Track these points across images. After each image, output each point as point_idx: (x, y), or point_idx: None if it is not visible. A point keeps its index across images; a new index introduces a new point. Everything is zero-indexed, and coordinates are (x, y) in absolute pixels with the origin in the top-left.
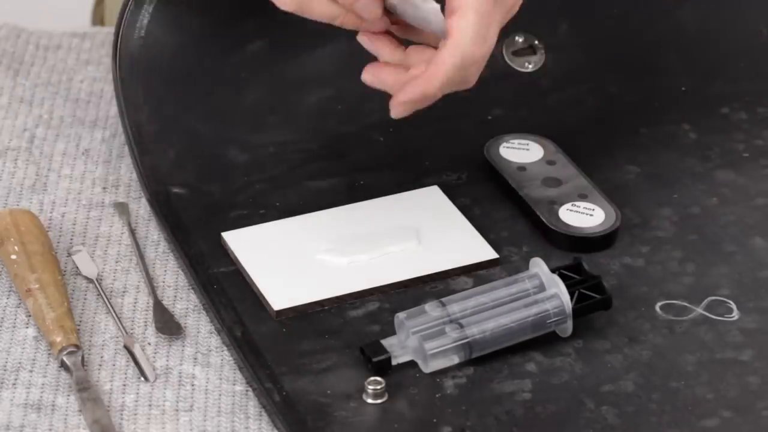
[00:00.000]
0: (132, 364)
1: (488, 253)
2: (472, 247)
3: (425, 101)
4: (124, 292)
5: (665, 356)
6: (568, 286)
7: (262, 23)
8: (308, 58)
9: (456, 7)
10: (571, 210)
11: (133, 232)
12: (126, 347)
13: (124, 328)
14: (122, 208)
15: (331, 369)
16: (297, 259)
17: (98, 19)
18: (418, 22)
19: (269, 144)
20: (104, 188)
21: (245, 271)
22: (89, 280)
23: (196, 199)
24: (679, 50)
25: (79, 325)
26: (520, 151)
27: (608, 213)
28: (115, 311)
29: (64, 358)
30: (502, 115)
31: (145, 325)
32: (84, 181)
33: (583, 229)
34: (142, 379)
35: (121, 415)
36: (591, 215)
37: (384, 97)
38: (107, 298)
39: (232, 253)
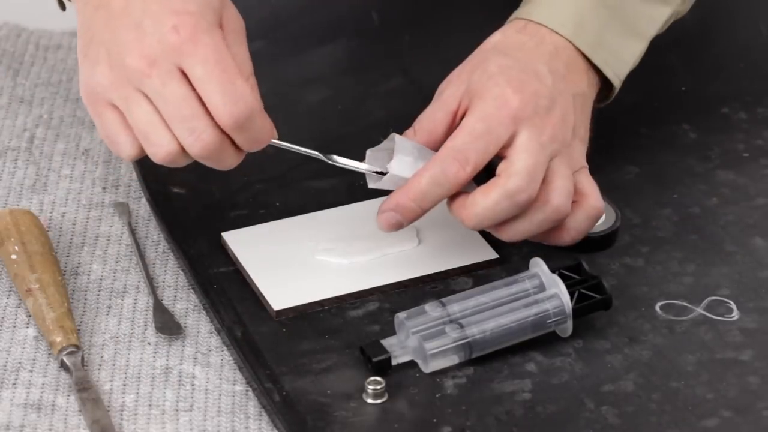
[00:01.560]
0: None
1: (488, 253)
2: (472, 247)
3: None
4: (124, 292)
5: (665, 356)
6: (568, 286)
7: (262, 23)
8: (308, 58)
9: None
10: None
11: (133, 232)
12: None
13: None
14: (122, 208)
15: (331, 369)
16: (297, 259)
17: None
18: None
19: (269, 144)
20: (104, 188)
21: (245, 271)
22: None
23: (196, 199)
24: (679, 50)
25: (79, 325)
26: None
27: (608, 213)
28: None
29: (64, 358)
30: None
31: (145, 325)
32: (84, 181)
33: None
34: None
35: (121, 415)
36: None
37: (383, 96)
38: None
39: (232, 253)
